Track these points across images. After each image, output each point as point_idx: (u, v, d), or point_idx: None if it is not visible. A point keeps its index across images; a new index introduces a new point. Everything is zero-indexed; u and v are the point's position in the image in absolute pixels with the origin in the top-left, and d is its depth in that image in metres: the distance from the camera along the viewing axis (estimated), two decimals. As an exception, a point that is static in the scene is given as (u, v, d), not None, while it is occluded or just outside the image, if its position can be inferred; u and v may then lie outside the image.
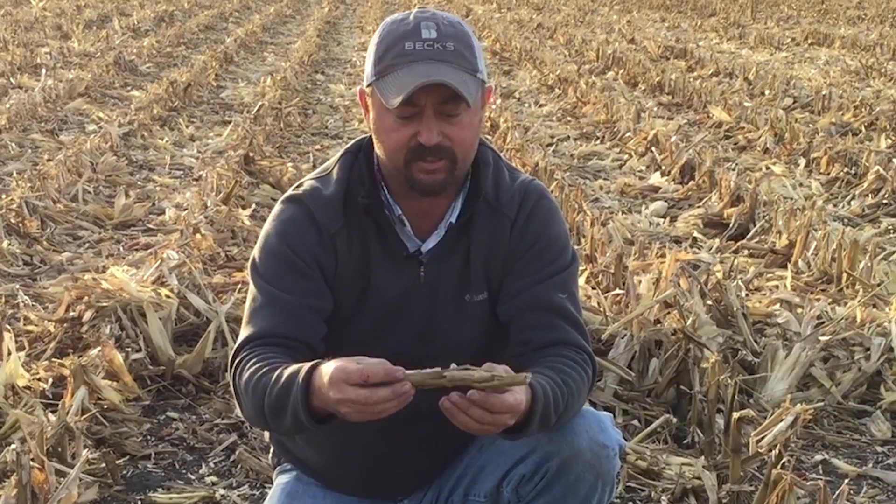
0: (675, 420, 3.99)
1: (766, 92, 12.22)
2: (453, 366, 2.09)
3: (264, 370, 2.24)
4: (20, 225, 6.17)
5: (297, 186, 2.47)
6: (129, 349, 4.25)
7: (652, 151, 8.98)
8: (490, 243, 2.42)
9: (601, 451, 2.38)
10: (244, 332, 2.37)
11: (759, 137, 9.67)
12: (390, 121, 2.30)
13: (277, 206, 2.45)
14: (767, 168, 8.61)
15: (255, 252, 2.43)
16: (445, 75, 2.24)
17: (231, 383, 2.36)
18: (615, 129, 9.98)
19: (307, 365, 2.16)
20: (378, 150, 2.38)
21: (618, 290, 4.84)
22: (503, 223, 2.43)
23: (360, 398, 2.04)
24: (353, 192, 2.40)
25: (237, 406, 2.41)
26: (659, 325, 4.31)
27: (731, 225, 6.73)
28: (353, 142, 2.51)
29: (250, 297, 2.41)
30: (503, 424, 2.12)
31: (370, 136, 2.42)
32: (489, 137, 8.86)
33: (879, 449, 4.04)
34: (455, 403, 2.08)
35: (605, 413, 2.51)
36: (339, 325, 2.38)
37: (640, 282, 4.87)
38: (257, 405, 2.25)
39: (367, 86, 2.34)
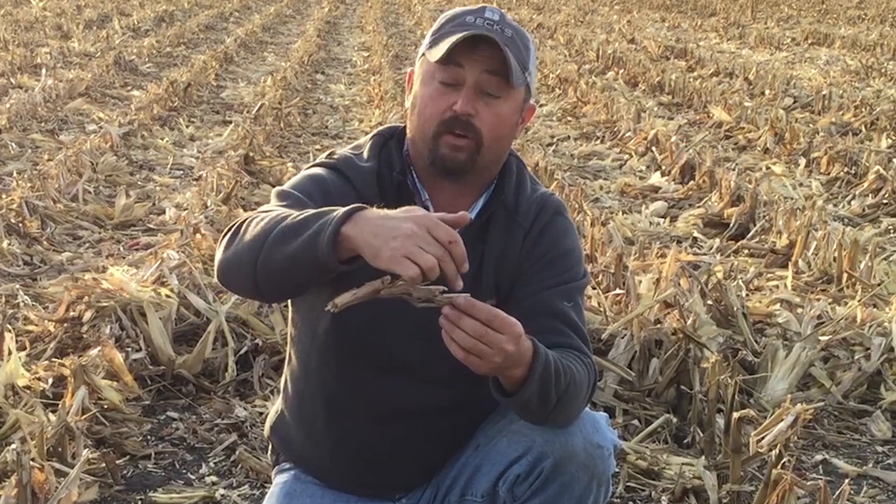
0: (675, 420, 3.99)
1: (767, 92, 12.23)
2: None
3: (287, 213, 2.12)
4: (20, 225, 6.17)
5: (329, 155, 2.45)
6: (129, 349, 4.24)
7: (652, 151, 8.98)
8: (503, 250, 2.42)
9: (596, 451, 2.37)
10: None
11: (760, 137, 9.67)
12: (432, 88, 2.33)
13: (307, 168, 2.42)
14: (768, 168, 8.61)
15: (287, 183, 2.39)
16: (496, 43, 2.27)
17: (223, 237, 2.21)
18: (615, 129, 9.98)
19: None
20: (411, 126, 2.39)
21: (618, 290, 4.84)
22: (517, 232, 2.43)
23: (435, 228, 1.97)
24: (383, 171, 2.41)
25: (218, 252, 2.19)
26: (659, 325, 4.31)
27: (731, 225, 6.73)
28: (384, 126, 2.52)
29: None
30: (500, 347, 2.06)
31: (403, 125, 2.45)
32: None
33: (880, 449, 4.04)
34: (447, 315, 2.05)
35: (600, 413, 2.50)
36: None
37: (640, 282, 4.88)
38: (258, 232, 2.10)
39: (420, 56, 2.37)
